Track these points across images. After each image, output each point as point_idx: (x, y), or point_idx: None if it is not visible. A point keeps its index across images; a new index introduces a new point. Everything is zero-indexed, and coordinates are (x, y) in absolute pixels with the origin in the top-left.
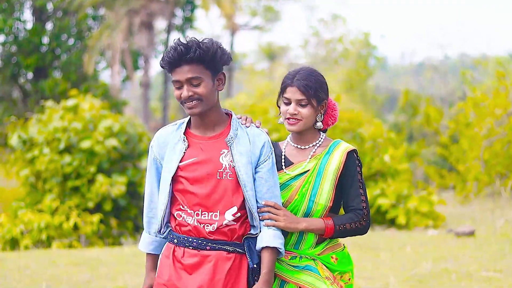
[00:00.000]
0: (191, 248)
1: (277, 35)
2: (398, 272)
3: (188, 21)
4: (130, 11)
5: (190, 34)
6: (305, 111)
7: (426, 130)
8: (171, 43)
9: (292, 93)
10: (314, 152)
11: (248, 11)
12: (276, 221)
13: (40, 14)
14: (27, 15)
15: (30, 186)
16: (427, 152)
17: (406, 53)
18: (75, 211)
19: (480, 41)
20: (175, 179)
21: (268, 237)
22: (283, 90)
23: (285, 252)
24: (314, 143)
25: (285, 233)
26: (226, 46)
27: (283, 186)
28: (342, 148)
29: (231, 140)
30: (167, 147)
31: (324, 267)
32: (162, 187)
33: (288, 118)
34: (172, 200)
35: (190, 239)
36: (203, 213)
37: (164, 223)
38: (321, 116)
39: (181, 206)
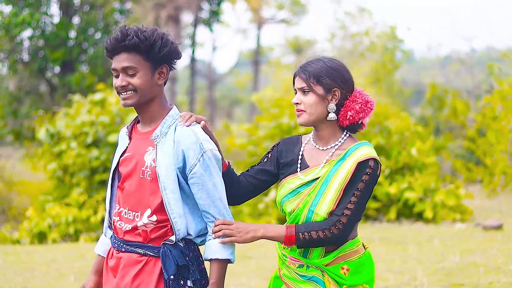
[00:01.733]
0: (115, 249)
1: (304, 29)
2: (426, 266)
3: (215, 14)
4: (157, 5)
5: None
6: (307, 100)
7: (453, 123)
8: (198, 36)
9: (296, 81)
10: (331, 156)
11: (275, 4)
12: (231, 236)
13: (67, 8)
14: (54, 9)
15: (57, 180)
16: (454, 145)
17: (432, 46)
18: (102, 205)
19: (507, 33)
20: (118, 175)
21: (216, 248)
22: (293, 80)
23: (293, 260)
24: (333, 144)
25: None
26: (252, 39)
27: (294, 193)
28: (357, 156)
29: (157, 138)
30: (120, 142)
31: (331, 281)
32: (108, 182)
33: (296, 110)
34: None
35: (115, 239)
36: (129, 211)
37: (111, 219)
38: (333, 106)
39: (117, 204)
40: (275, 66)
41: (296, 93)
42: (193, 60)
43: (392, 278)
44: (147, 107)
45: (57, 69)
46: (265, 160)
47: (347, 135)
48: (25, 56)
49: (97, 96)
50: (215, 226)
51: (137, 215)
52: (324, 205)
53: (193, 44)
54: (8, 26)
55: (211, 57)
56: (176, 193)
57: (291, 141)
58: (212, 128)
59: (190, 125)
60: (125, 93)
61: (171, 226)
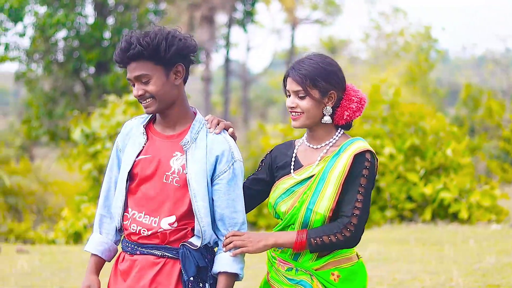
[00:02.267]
0: (127, 253)
1: (338, 29)
2: (462, 266)
3: (249, 15)
4: (191, 5)
5: (251, 28)
6: (303, 104)
7: (488, 123)
8: (232, 36)
9: (289, 84)
10: (325, 153)
11: (309, 4)
12: (243, 247)
13: (101, 8)
14: (89, 9)
15: (93, 180)
16: (489, 146)
17: (467, 45)
18: None
19: None
20: (130, 176)
21: (225, 261)
22: (284, 82)
23: (282, 262)
24: (327, 142)
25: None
26: (286, 40)
27: (288, 192)
28: (352, 149)
29: (187, 145)
30: (130, 139)
31: (320, 286)
32: (119, 183)
33: (290, 112)
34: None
35: (127, 243)
36: (145, 216)
37: (120, 222)
38: (329, 109)
39: (129, 207)
40: None
41: (289, 95)
42: (227, 60)
43: (428, 279)
44: (170, 111)
45: (91, 69)
46: (259, 169)
47: (341, 132)
48: (60, 57)
49: (132, 97)
50: (226, 238)
51: (155, 220)
52: (323, 202)
53: (227, 44)
54: (43, 27)
55: (245, 57)
56: (206, 201)
57: (284, 146)
58: (246, 128)
59: (220, 132)
60: (145, 101)
61: (190, 229)
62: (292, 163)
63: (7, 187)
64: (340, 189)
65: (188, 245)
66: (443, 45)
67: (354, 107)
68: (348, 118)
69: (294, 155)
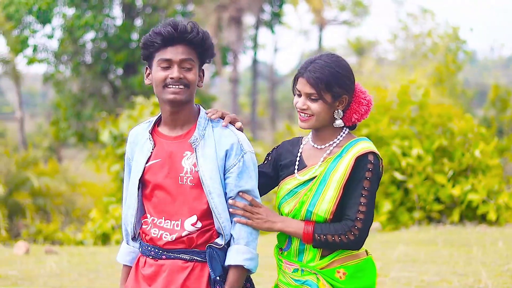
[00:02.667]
0: (150, 257)
1: (366, 30)
2: (490, 268)
3: (277, 16)
4: (219, 7)
5: (279, 29)
6: (315, 107)
7: None
8: (260, 38)
9: (302, 85)
10: (329, 153)
11: (337, 5)
12: (248, 219)
13: (129, 10)
14: (117, 11)
15: (120, 181)
16: None
17: (495, 46)
18: None
19: None
20: (143, 182)
21: (231, 254)
22: (295, 80)
23: (288, 264)
24: (331, 142)
25: (287, 241)
26: (314, 41)
27: (291, 194)
28: (355, 151)
29: (196, 142)
30: (137, 146)
31: (327, 284)
32: (130, 190)
33: (299, 112)
34: (141, 206)
35: (149, 248)
36: (166, 221)
37: (137, 230)
38: (340, 113)
39: (147, 213)
40: None
41: (299, 95)
42: (255, 61)
43: (456, 280)
44: (185, 108)
45: (119, 71)
46: (265, 162)
47: (346, 132)
48: (88, 59)
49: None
50: (239, 202)
51: (177, 224)
52: (323, 204)
53: (255, 46)
54: (71, 29)
55: (273, 58)
56: (222, 197)
57: (291, 143)
58: (274, 130)
59: (227, 125)
60: (177, 87)
61: (215, 230)
62: (297, 163)
63: (35, 188)
64: (341, 192)
65: (214, 245)
66: (471, 45)
67: (363, 110)
68: (355, 120)
69: (299, 154)
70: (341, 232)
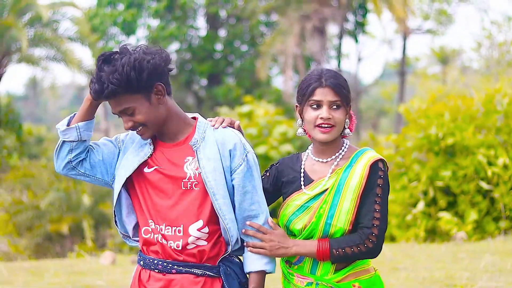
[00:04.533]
0: (156, 271)
1: (450, 38)
2: None
3: (360, 25)
4: (303, 17)
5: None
6: (338, 115)
7: None
8: (343, 47)
9: (324, 94)
10: (336, 165)
11: (421, 14)
12: (260, 248)
13: (213, 21)
14: (201, 22)
15: None
16: None
17: None
18: None
19: None
20: (138, 187)
21: (250, 260)
22: (310, 93)
23: (300, 278)
24: (337, 154)
25: (298, 255)
26: (398, 50)
27: (302, 209)
28: (366, 159)
29: (197, 144)
30: (134, 144)
31: None
32: (116, 183)
33: (320, 125)
34: (139, 214)
35: (155, 261)
36: (166, 227)
37: (127, 229)
38: (348, 121)
39: (149, 221)
40: (421, 76)
41: (315, 108)
42: (339, 71)
43: None
44: (167, 127)
45: (204, 81)
46: (263, 177)
47: (348, 144)
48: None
49: (245, 108)
50: (249, 230)
51: (179, 230)
52: (342, 215)
53: (339, 55)
54: (156, 40)
55: (357, 68)
56: (226, 198)
57: (290, 160)
58: (358, 139)
59: (226, 126)
60: (137, 130)
61: (224, 242)
62: (302, 178)
63: None
64: (359, 201)
65: (227, 261)
66: None
67: (355, 119)
68: (352, 130)
69: (302, 170)
70: (359, 242)
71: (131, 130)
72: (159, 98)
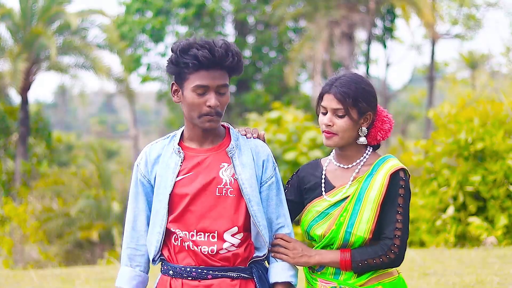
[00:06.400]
0: (190, 278)
1: (479, 43)
2: None
3: (389, 31)
4: (331, 22)
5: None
6: (341, 123)
7: None
8: (372, 53)
9: (329, 101)
10: (358, 172)
11: (449, 19)
12: (284, 254)
13: (241, 27)
14: (229, 28)
15: None
16: None
17: None
18: None
19: None
20: (171, 197)
21: (276, 271)
22: (320, 97)
23: (324, 283)
24: (357, 161)
25: None
26: (426, 55)
27: (323, 215)
28: (386, 168)
29: (233, 150)
30: (159, 163)
31: None
32: (157, 207)
33: (324, 131)
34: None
35: (188, 269)
36: (198, 233)
37: (159, 250)
38: (365, 130)
39: (177, 230)
40: (450, 81)
41: (325, 112)
42: (367, 77)
43: None
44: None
45: (232, 88)
46: (286, 190)
47: (370, 150)
48: None
49: (273, 114)
50: (275, 238)
51: (212, 236)
52: (362, 224)
53: (367, 61)
54: None
55: (385, 73)
56: (260, 205)
57: (310, 166)
58: (387, 145)
59: (256, 137)
60: (213, 115)
61: (253, 244)
62: (323, 184)
63: None
64: (379, 210)
65: (258, 264)
66: None
67: (386, 128)
68: (380, 139)
69: (323, 176)
70: (381, 253)
71: (206, 113)
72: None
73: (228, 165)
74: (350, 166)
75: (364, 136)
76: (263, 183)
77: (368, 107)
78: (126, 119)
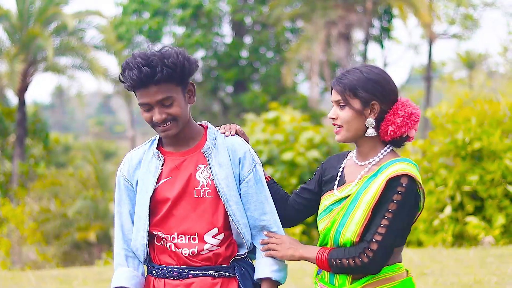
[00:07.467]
0: (172, 278)
1: (476, 43)
2: None
3: (386, 31)
4: (328, 23)
5: (388, 44)
6: (343, 114)
7: None
8: (369, 53)
9: (333, 95)
10: (366, 171)
11: (447, 19)
12: (272, 249)
13: (238, 28)
14: (226, 29)
15: None
16: None
17: None
18: None
19: None
20: (153, 202)
21: (261, 267)
22: (331, 91)
23: (323, 287)
24: (370, 160)
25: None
26: (424, 55)
27: (327, 210)
28: (388, 172)
29: (209, 150)
30: (140, 168)
31: None
32: (139, 211)
33: (334, 125)
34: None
35: (170, 269)
36: (179, 236)
37: (147, 253)
38: (372, 121)
39: (159, 232)
40: (448, 81)
41: (333, 106)
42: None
43: None
44: (184, 131)
45: (229, 88)
46: (311, 178)
47: (389, 149)
48: (198, 77)
49: (271, 115)
50: (266, 235)
51: (193, 238)
52: (351, 226)
53: (364, 61)
54: (181, 47)
55: None
56: (239, 204)
57: (336, 158)
58: None
59: (235, 134)
60: (165, 125)
61: (236, 242)
62: (337, 178)
63: None
64: (369, 214)
65: (241, 262)
66: None
67: (399, 121)
68: (393, 133)
69: (341, 169)
70: (354, 254)
71: (158, 123)
72: (190, 97)
73: (204, 167)
74: (364, 163)
75: (373, 127)
76: (241, 181)
77: (371, 95)
78: (124, 120)
